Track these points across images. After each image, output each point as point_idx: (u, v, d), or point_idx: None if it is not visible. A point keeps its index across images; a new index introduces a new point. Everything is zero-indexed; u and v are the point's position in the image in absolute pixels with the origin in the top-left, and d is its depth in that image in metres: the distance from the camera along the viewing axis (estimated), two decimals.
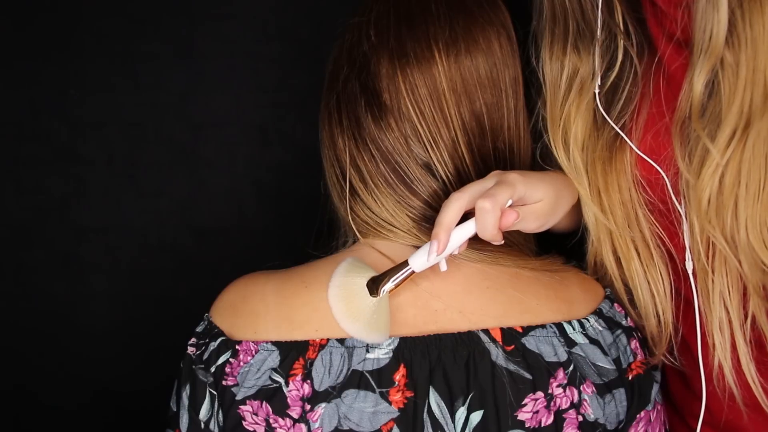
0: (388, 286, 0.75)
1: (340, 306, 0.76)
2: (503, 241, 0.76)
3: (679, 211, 0.82)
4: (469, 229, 0.75)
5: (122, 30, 1.14)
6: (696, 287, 0.83)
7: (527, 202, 0.78)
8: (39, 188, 1.16)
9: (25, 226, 1.16)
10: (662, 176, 0.82)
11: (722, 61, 0.74)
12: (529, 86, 0.88)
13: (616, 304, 0.84)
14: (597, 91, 0.85)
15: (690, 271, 0.83)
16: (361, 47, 0.82)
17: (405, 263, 0.75)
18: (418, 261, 0.75)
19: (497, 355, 0.74)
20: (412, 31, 0.80)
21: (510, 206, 0.75)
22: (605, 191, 0.86)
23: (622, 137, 0.84)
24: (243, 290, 0.81)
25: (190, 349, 0.80)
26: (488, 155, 0.81)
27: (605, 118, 0.85)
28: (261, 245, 1.18)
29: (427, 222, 0.80)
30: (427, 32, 0.80)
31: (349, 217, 0.82)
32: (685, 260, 0.84)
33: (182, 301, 1.12)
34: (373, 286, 0.75)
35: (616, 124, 0.84)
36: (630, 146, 0.84)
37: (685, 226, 0.82)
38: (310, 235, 0.93)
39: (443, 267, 0.76)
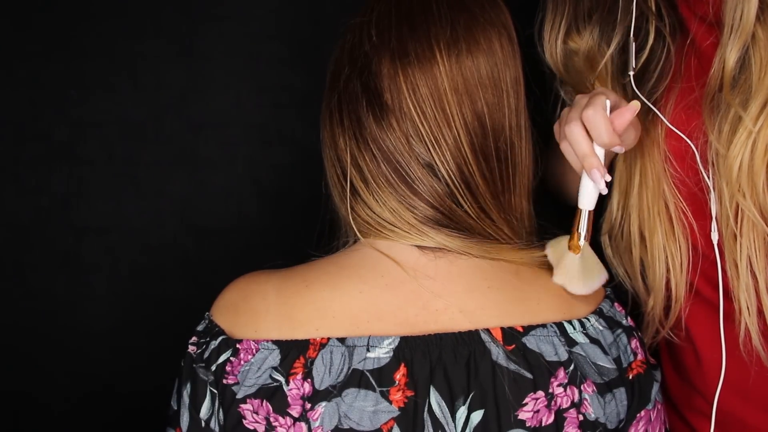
0: (581, 238, 0.81)
1: (570, 281, 0.81)
2: (623, 148, 0.78)
3: (707, 181, 0.85)
4: (593, 147, 0.78)
5: (122, 30, 1.14)
6: (720, 257, 0.86)
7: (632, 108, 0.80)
8: (39, 188, 1.16)
9: (25, 226, 1.16)
10: (691, 147, 0.85)
11: (753, 37, 0.79)
12: (541, 82, 0.89)
13: (616, 304, 0.85)
14: (631, 73, 0.89)
15: (715, 242, 0.86)
16: (363, 47, 0.82)
17: (579, 212, 0.81)
18: (587, 201, 0.80)
19: (498, 354, 0.74)
20: (414, 32, 0.80)
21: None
22: (641, 163, 0.90)
23: (652, 113, 0.88)
24: (244, 289, 0.81)
25: (191, 348, 0.80)
26: (490, 155, 0.81)
27: (635, 95, 0.88)
28: (261, 245, 1.18)
29: (428, 222, 0.80)
30: (429, 32, 0.80)
31: (350, 217, 0.82)
32: (711, 231, 0.86)
33: (182, 301, 1.12)
34: (572, 245, 0.81)
35: (648, 100, 0.88)
36: (659, 121, 0.88)
37: (713, 196, 0.85)
38: (310, 235, 0.93)
39: (605, 190, 0.79)
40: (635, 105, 0.78)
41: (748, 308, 0.84)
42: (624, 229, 0.93)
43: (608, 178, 0.78)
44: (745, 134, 0.80)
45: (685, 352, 0.93)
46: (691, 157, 0.86)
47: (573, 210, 0.83)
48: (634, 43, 0.89)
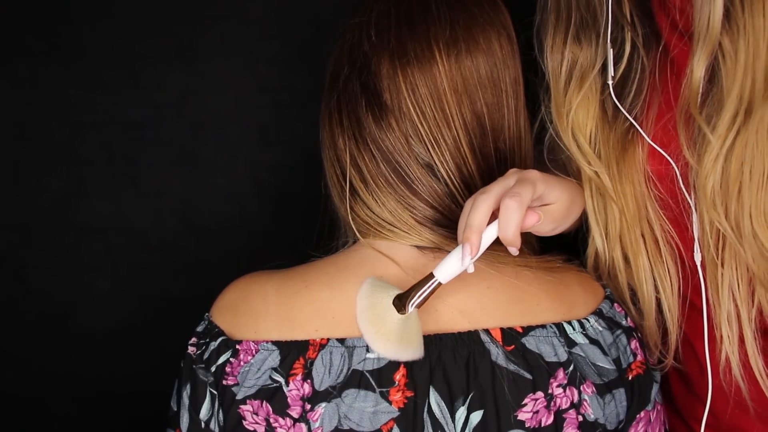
0: (415, 301, 0.73)
1: (369, 329, 0.73)
2: (518, 249, 0.73)
3: (688, 202, 0.82)
4: (493, 231, 0.73)
5: (122, 30, 1.14)
6: (705, 279, 0.83)
7: (545, 201, 0.77)
8: (39, 188, 1.16)
9: (25, 226, 1.17)
10: (673, 168, 0.82)
11: (721, 48, 0.75)
12: (530, 85, 0.88)
13: (616, 304, 0.84)
14: (611, 83, 0.84)
15: (698, 263, 0.83)
16: (362, 47, 0.82)
17: (430, 276, 0.73)
18: (444, 272, 0.73)
19: (497, 355, 0.74)
20: (413, 31, 0.80)
21: (529, 207, 0.74)
22: (620, 184, 0.86)
23: (633, 131, 0.84)
24: (244, 290, 0.81)
25: (191, 349, 0.80)
26: (489, 155, 0.81)
27: (615, 112, 0.85)
28: (261, 245, 1.18)
29: (427, 222, 0.80)
30: (428, 32, 0.80)
31: (350, 217, 0.82)
32: (693, 253, 0.84)
33: (182, 301, 1.12)
34: (400, 303, 0.73)
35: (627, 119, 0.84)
36: (641, 140, 0.84)
37: (695, 218, 0.82)
38: (310, 236, 0.93)
39: (471, 269, 0.74)
40: (539, 215, 0.74)
41: (728, 337, 0.82)
42: (607, 257, 0.89)
43: (471, 270, 0.73)
44: (713, 154, 0.76)
45: (689, 363, 0.92)
46: (672, 178, 0.83)
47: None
48: (611, 50, 0.84)
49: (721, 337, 0.82)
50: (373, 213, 0.81)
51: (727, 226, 0.77)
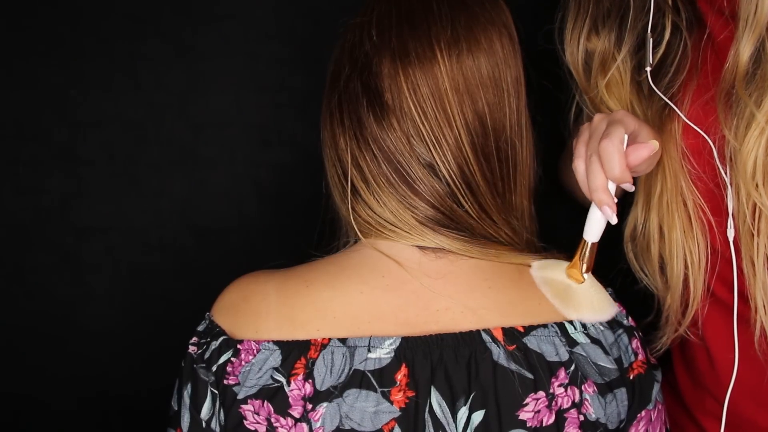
0: (584, 265, 0.80)
1: (566, 309, 0.79)
2: (633, 187, 0.78)
3: (724, 177, 0.84)
4: (606, 182, 0.77)
5: (122, 30, 1.14)
6: (736, 254, 0.85)
7: (638, 139, 0.79)
8: (39, 188, 1.16)
9: (25, 226, 1.16)
10: (708, 143, 0.84)
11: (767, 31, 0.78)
12: (532, 84, 0.89)
13: (617, 304, 0.84)
14: (648, 69, 0.88)
15: (731, 239, 0.85)
16: (363, 47, 0.82)
17: (583, 243, 0.80)
18: (593, 233, 0.79)
19: (499, 354, 0.74)
20: (414, 31, 0.80)
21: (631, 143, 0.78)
22: (660, 159, 0.88)
23: (669, 108, 0.88)
24: (245, 289, 0.81)
25: (192, 348, 0.80)
26: (491, 155, 0.81)
27: (651, 91, 0.88)
28: (261, 245, 1.18)
29: (429, 222, 0.80)
30: (429, 32, 0.80)
31: (351, 217, 0.82)
32: (726, 228, 0.85)
33: (182, 301, 1.12)
34: (572, 275, 0.80)
35: (665, 95, 0.87)
36: (677, 116, 0.87)
37: (730, 192, 0.84)
38: (310, 235, 0.93)
39: (614, 220, 0.78)
40: (653, 144, 0.77)
41: (764, 306, 0.84)
42: (645, 227, 0.93)
43: (614, 220, 0.78)
44: (758, 130, 0.79)
45: (698, 354, 0.93)
46: (708, 153, 0.85)
47: (583, 211, 0.82)
48: (651, 39, 0.88)
49: (756, 307, 0.84)
50: (375, 213, 0.81)
51: (766, 201, 0.80)
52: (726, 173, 0.84)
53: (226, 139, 1.17)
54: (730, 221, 0.85)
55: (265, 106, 1.17)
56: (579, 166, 0.79)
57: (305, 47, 1.15)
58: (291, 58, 1.16)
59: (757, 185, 0.80)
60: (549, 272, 0.81)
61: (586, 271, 0.80)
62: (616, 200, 0.77)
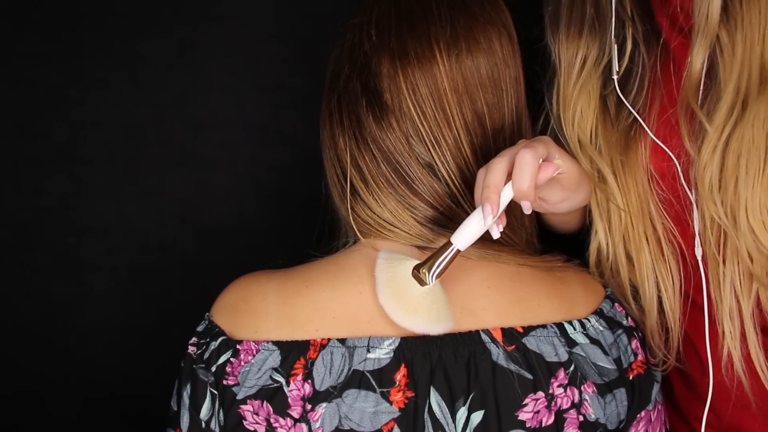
0: (435, 271, 0.72)
1: (393, 304, 0.73)
2: (531, 210, 0.73)
3: (690, 198, 0.83)
4: (510, 191, 0.72)
5: (122, 30, 1.14)
6: (706, 274, 0.83)
7: (557, 165, 0.76)
8: (39, 188, 1.16)
9: (25, 226, 1.16)
10: (674, 165, 0.83)
11: (719, 41, 0.77)
12: (532, 83, 0.88)
13: (616, 304, 0.84)
14: (615, 77, 0.85)
15: (699, 258, 0.84)
16: (362, 47, 0.82)
17: (448, 244, 0.72)
18: (462, 238, 0.72)
19: (498, 355, 0.74)
20: (413, 31, 0.80)
21: (544, 161, 0.73)
22: (624, 182, 0.87)
23: (635, 129, 0.85)
24: (244, 290, 0.81)
25: (191, 349, 0.80)
26: (490, 155, 0.81)
27: (618, 110, 0.86)
28: (261, 245, 1.18)
29: (428, 222, 0.80)
30: (428, 32, 0.80)
31: (350, 217, 0.82)
32: (694, 248, 0.84)
33: (182, 301, 1.12)
34: (419, 274, 0.72)
35: (630, 114, 0.85)
36: (643, 139, 0.85)
37: (696, 213, 0.83)
38: (310, 235, 0.93)
39: (496, 234, 0.73)
40: (558, 163, 0.74)
41: (730, 332, 0.82)
42: (610, 253, 0.90)
43: (496, 235, 0.73)
44: (711, 145, 0.77)
45: (690, 362, 0.93)
46: (674, 174, 0.83)
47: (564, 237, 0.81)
48: (615, 45, 0.85)
49: (723, 332, 0.83)
50: (374, 213, 0.81)
51: (725, 221, 0.78)
52: (692, 194, 0.82)
53: (226, 139, 1.17)
54: (698, 241, 0.83)
55: (265, 106, 1.17)
56: (481, 170, 0.74)
57: (305, 47, 1.15)
58: (291, 58, 1.16)
59: (714, 202, 0.78)
60: (395, 266, 0.74)
61: (438, 277, 0.72)
62: (501, 210, 0.72)
